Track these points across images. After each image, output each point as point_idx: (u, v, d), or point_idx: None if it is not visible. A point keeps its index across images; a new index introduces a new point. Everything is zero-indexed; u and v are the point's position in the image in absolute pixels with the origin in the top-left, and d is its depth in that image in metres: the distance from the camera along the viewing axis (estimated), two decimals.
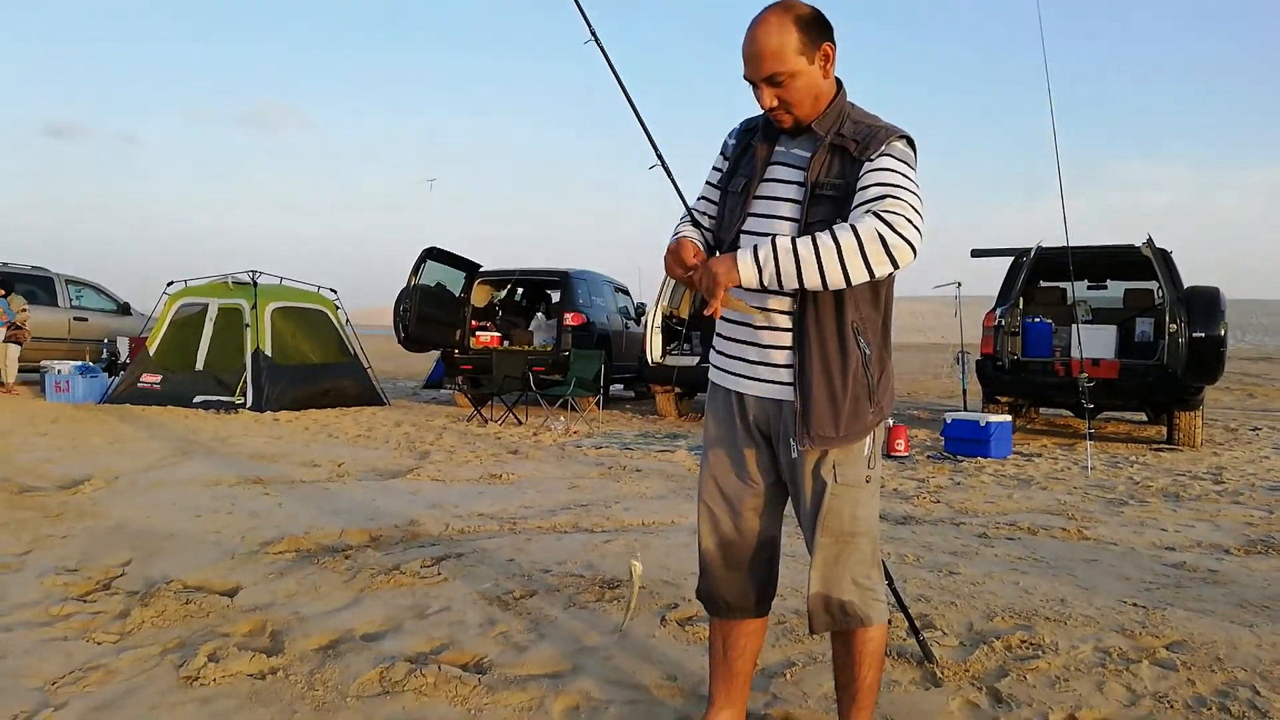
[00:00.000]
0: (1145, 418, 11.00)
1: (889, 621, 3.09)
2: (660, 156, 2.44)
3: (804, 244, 1.80)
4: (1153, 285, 9.75)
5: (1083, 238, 8.61)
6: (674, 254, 2.00)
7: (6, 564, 3.82)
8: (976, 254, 10.76)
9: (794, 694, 2.61)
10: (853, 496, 2.00)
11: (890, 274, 1.85)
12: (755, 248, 1.84)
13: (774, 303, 1.98)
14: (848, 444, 1.98)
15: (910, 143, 1.95)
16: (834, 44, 1.98)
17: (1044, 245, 9.75)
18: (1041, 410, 11.89)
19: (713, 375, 2.19)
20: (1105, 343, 9.50)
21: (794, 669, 2.78)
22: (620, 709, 2.50)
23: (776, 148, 2.08)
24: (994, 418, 8.15)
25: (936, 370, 22.79)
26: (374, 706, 2.50)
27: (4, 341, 12.55)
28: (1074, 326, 8.69)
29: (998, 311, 9.48)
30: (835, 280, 1.79)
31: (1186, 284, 8.75)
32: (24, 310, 12.93)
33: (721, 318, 2.10)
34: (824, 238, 1.79)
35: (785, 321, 1.99)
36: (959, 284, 10.76)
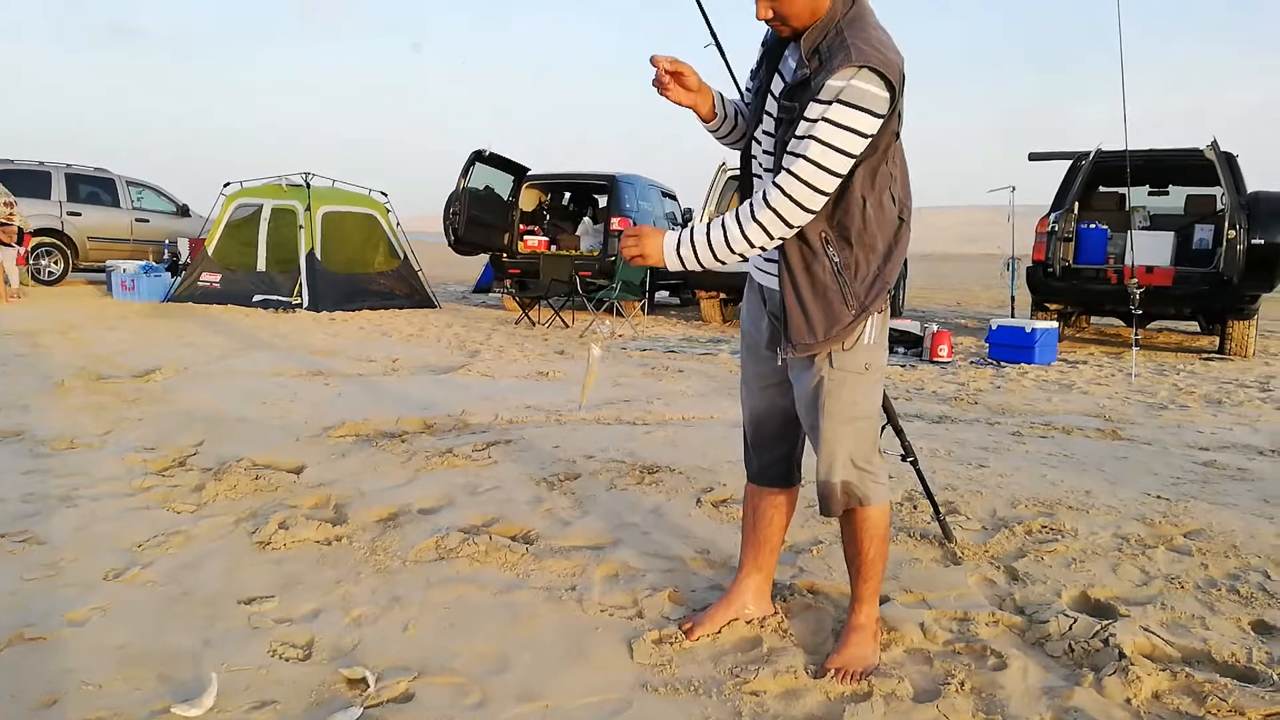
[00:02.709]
0: (1198, 327, 10.82)
1: (910, 505, 3.25)
2: (714, 35, 2.39)
3: (699, 239, 1.96)
4: (1217, 191, 9.47)
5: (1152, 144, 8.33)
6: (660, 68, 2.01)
7: (90, 443, 4.11)
8: (1034, 157, 10.51)
9: (820, 567, 2.78)
10: (851, 383, 2.07)
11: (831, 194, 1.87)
12: (679, 241, 1.98)
13: None
14: (830, 345, 2.02)
15: (875, 72, 1.79)
16: None
17: (1104, 149, 9.49)
18: (1093, 320, 11.76)
19: (750, 270, 2.29)
20: (1162, 250, 9.28)
21: (821, 546, 2.94)
22: (656, 576, 2.69)
23: (786, 51, 2.02)
24: (1040, 324, 8.11)
25: (987, 280, 22.40)
26: (430, 570, 2.72)
27: None
28: (1129, 233, 8.52)
29: (1051, 217, 9.32)
30: (738, 256, 1.95)
31: (1256, 190, 8.49)
32: (9, 203, 11.14)
33: None
34: (715, 232, 1.94)
35: None
36: (1013, 188, 10.55)
